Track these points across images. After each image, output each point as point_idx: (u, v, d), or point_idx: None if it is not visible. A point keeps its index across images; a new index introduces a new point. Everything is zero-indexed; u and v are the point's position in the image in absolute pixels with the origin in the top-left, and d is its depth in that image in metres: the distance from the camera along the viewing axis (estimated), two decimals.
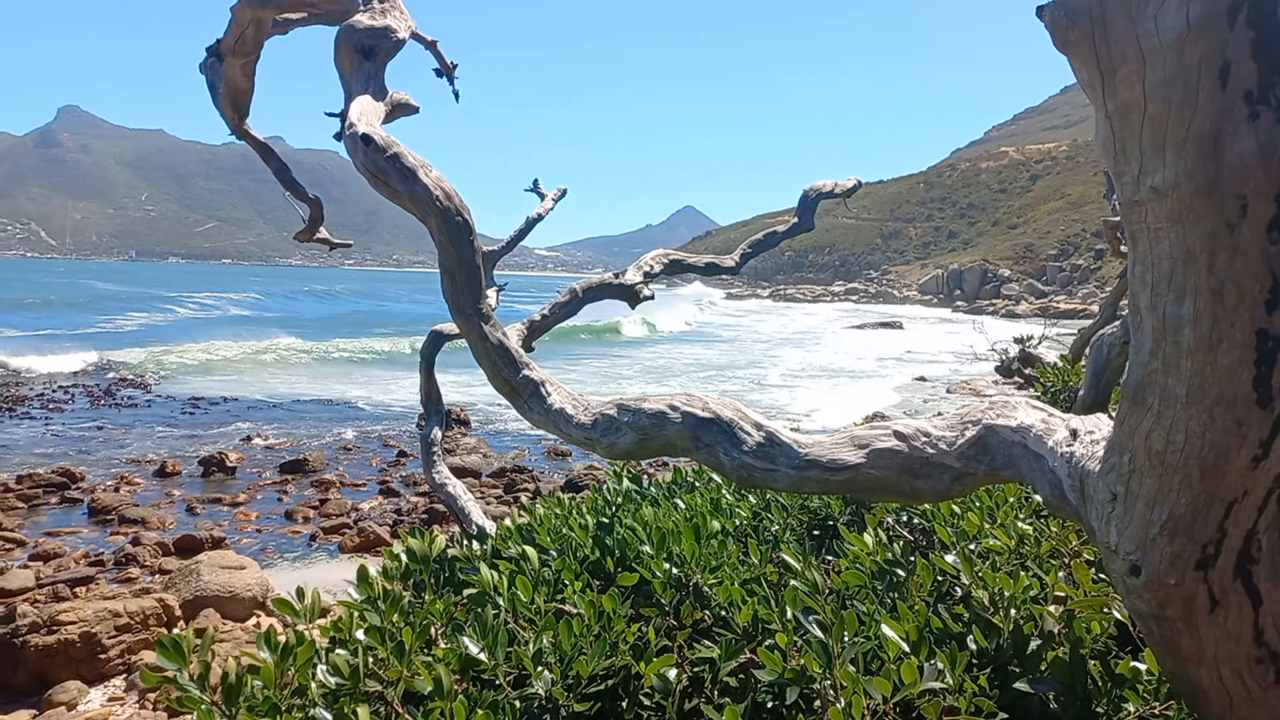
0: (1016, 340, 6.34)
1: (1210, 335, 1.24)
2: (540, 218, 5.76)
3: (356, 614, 1.78)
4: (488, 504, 12.94)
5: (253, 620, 8.66)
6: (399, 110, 2.86)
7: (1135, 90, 1.19)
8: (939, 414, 2.14)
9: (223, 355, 32.58)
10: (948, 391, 25.95)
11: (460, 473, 14.78)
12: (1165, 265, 1.26)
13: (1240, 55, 1.12)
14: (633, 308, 4.37)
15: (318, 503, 13.04)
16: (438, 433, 4.74)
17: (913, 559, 2.30)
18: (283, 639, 1.71)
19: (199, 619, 8.38)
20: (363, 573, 1.89)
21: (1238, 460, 1.29)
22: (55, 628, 7.49)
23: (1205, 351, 1.25)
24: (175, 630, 8.23)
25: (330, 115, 2.67)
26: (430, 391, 4.85)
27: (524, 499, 12.31)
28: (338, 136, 2.52)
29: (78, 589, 9.44)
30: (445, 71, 3.87)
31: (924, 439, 2.01)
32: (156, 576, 10.00)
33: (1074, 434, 1.70)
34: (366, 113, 2.49)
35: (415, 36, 3.10)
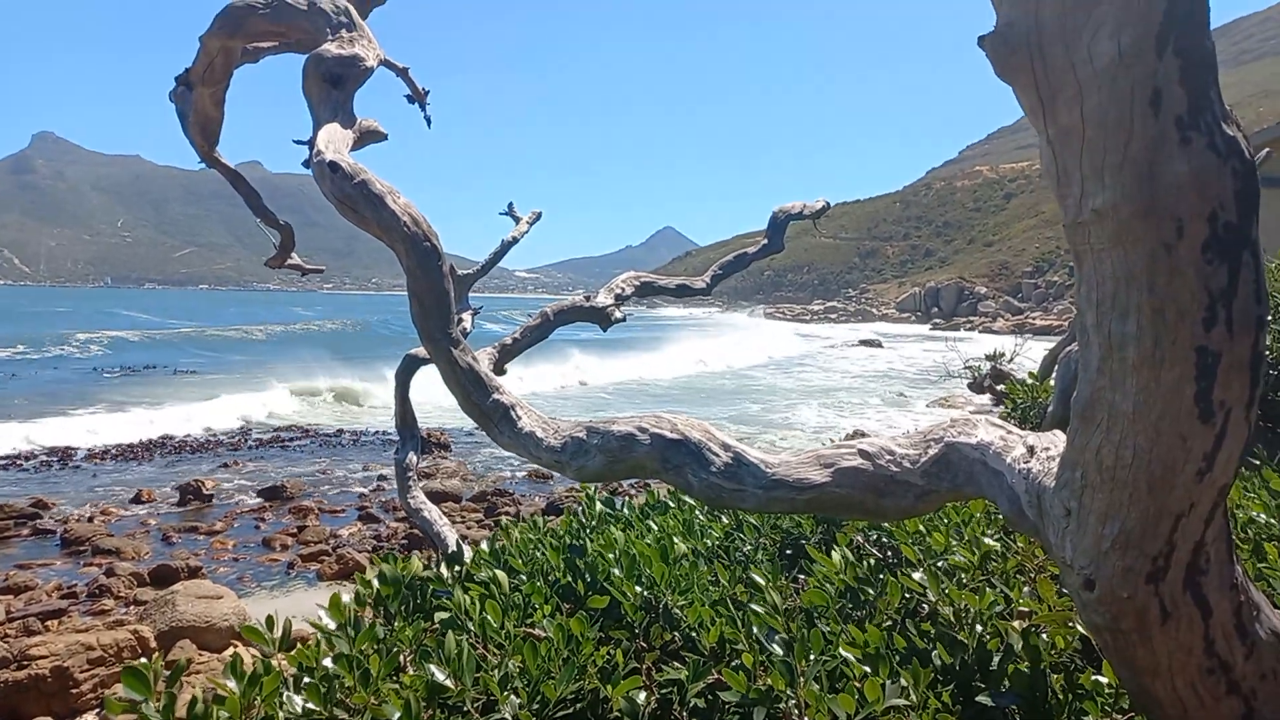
0: (988, 357, 6.41)
1: (1153, 352, 1.28)
2: (515, 241, 5.78)
3: (324, 642, 1.78)
4: (468, 528, 12.85)
5: (230, 650, 8.54)
6: (367, 137, 2.87)
7: (1074, 116, 1.23)
8: (904, 432, 2.17)
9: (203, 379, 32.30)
10: (926, 407, 26.18)
11: (441, 497, 14.70)
12: (1109, 285, 1.30)
13: (1170, 82, 1.16)
14: (604, 330, 4.40)
15: (296, 530, 12.89)
16: (413, 457, 4.72)
17: (881, 577, 2.32)
18: (250, 668, 1.70)
19: (174, 650, 8.25)
20: (334, 600, 1.89)
21: (1184, 474, 1.32)
22: (26, 662, 7.34)
23: (1149, 368, 1.29)
24: (145, 661, 8.07)
25: (299, 143, 2.69)
26: (405, 416, 4.84)
27: (505, 522, 12.22)
28: (306, 164, 2.53)
29: (49, 622, 9.26)
30: (417, 98, 3.89)
31: (888, 457, 2.04)
32: (131, 608, 9.84)
33: (1031, 450, 1.73)
34: (334, 140, 2.51)
35: (386, 64, 3.12)
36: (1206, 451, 1.31)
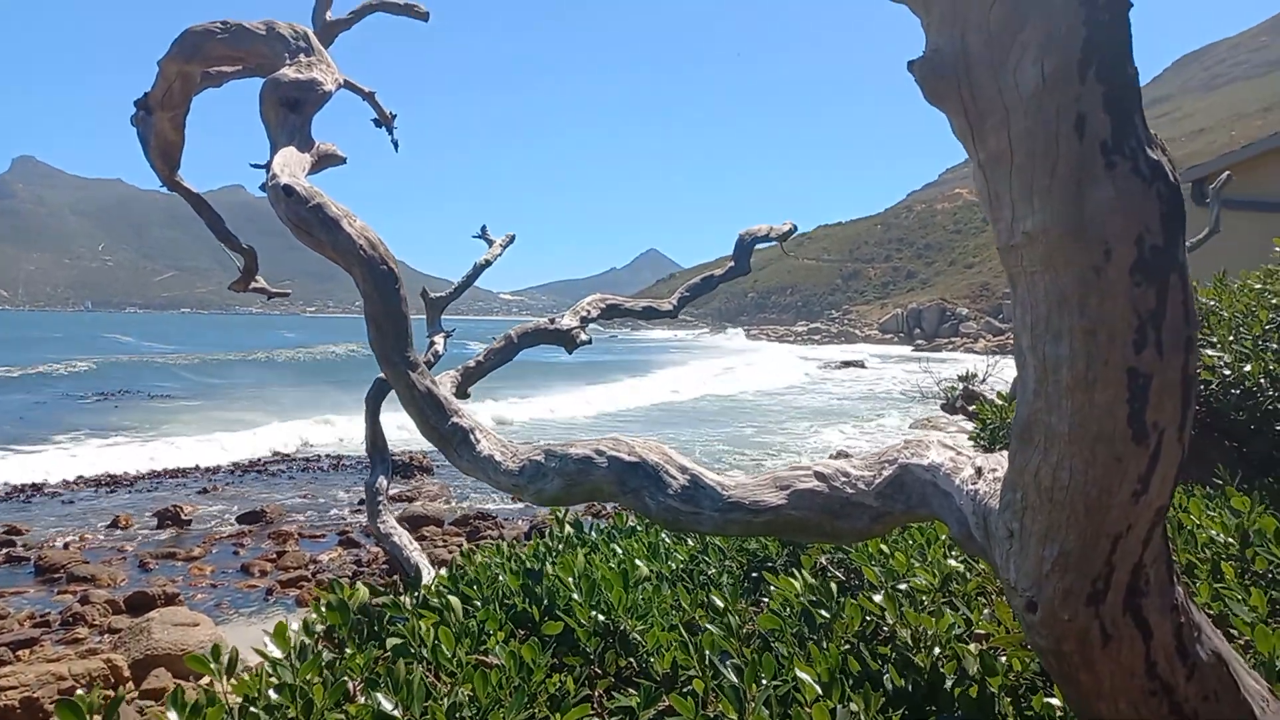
0: (961, 378, 6.46)
1: (1086, 374, 1.28)
2: (489, 263, 5.77)
3: (269, 671, 1.75)
4: (449, 552, 12.72)
5: (206, 679, 8.40)
6: (325, 161, 2.87)
7: (1002, 140, 1.24)
8: (860, 454, 2.17)
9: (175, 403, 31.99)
10: (910, 427, 26.27)
11: (422, 520, 14.56)
12: (1042, 307, 1.31)
13: (1093, 107, 1.17)
14: (569, 352, 4.38)
15: (275, 555, 12.71)
16: (383, 481, 4.68)
17: (841, 599, 2.31)
18: (192, 698, 1.67)
19: (149, 679, 8.10)
20: (280, 628, 1.86)
21: (1119, 495, 1.33)
22: None
23: (1083, 390, 1.29)
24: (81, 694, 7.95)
25: (256, 167, 2.68)
26: (376, 439, 4.80)
27: (465, 548, 12.07)
28: (263, 188, 2.52)
29: (20, 652, 9.08)
30: (384, 122, 3.89)
31: (843, 479, 2.03)
32: (105, 636, 9.66)
33: (979, 472, 1.74)
34: (290, 164, 2.50)
35: (351, 88, 3.13)
36: (1141, 473, 1.31)
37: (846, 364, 60.25)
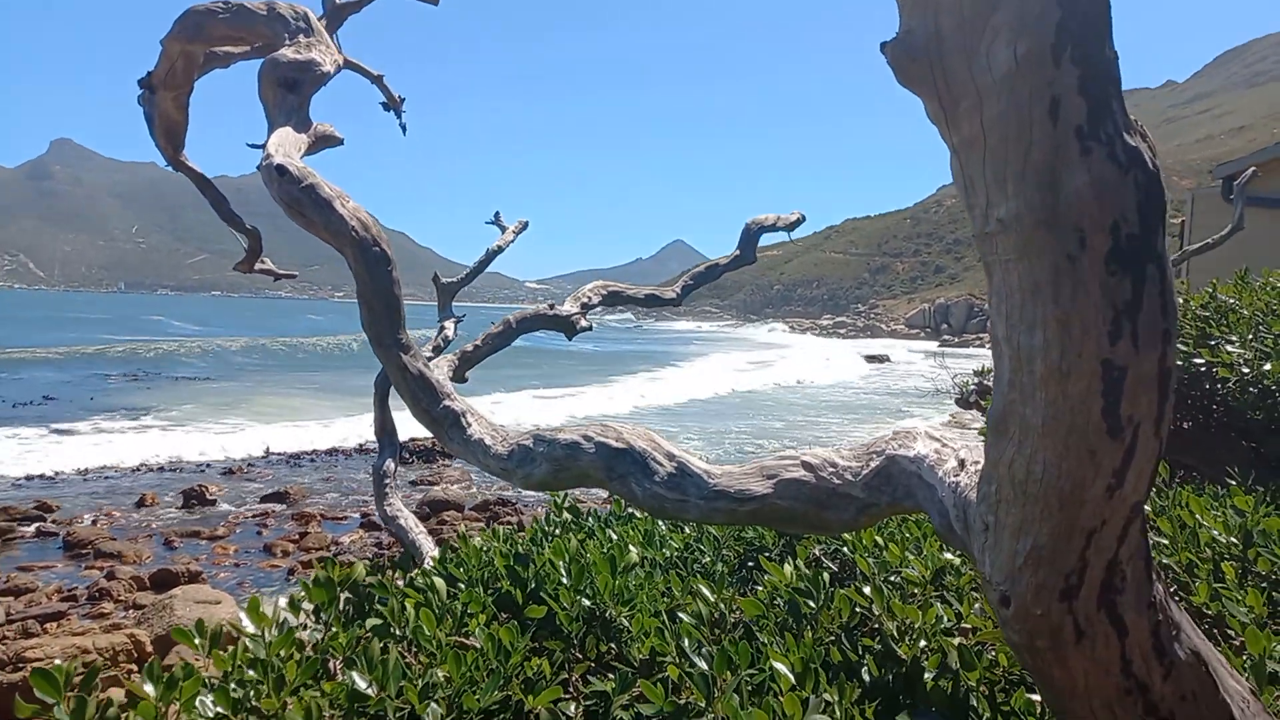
0: (977, 373, 6.38)
1: (1060, 365, 1.26)
2: (500, 250, 5.78)
3: (244, 647, 1.77)
4: (467, 532, 12.79)
5: (233, 647, 8.55)
6: (322, 142, 2.88)
7: (975, 125, 1.22)
8: (848, 445, 2.15)
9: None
10: (924, 421, 26.03)
11: (443, 505, 14.69)
12: (1016, 296, 1.28)
13: (1068, 91, 1.14)
14: (569, 338, 4.38)
15: (298, 536, 12.90)
16: (390, 465, 4.71)
17: (831, 590, 2.29)
18: (169, 672, 1.68)
19: (172, 655, 8.26)
20: (253, 603, 1.87)
21: (1094, 489, 1.30)
22: (21, 665, 7.35)
23: (1056, 381, 1.27)
24: (59, 664, 8.12)
25: (253, 147, 2.69)
26: (384, 423, 4.83)
27: (463, 529, 12.15)
28: (259, 168, 2.54)
29: (48, 625, 9.30)
30: (392, 105, 3.90)
31: (830, 470, 2.01)
32: (130, 612, 9.87)
33: (962, 464, 1.71)
34: (285, 144, 2.51)
35: (356, 69, 3.13)
36: (1116, 467, 1.28)
37: (872, 358, 59.89)
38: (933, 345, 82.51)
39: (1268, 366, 3.97)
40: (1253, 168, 8.54)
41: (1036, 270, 1.24)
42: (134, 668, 8.12)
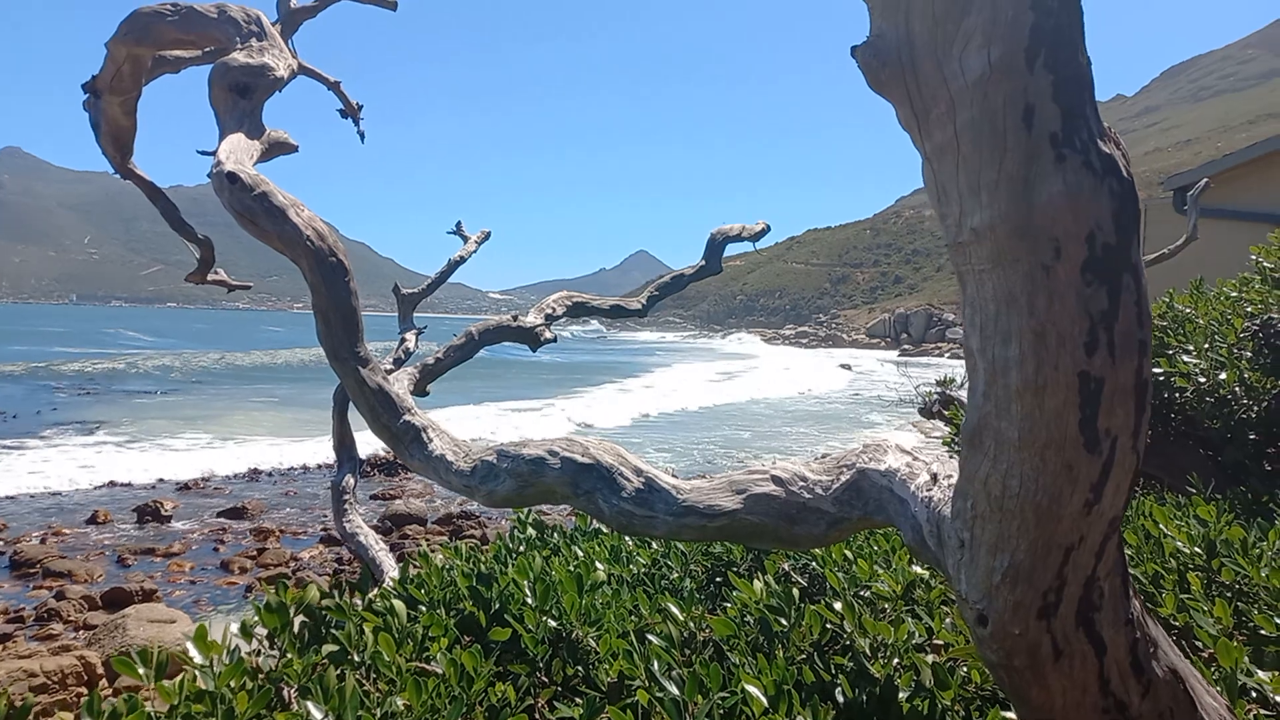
0: (939, 383, 6.38)
1: (1036, 378, 1.23)
2: (463, 260, 5.70)
3: (191, 678, 1.68)
4: (432, 550, 12.60)
5: (181, 676, 8.32)
6: (276, 149, 2.79)
7: (948, 131, 1.19)
8: (818, 458, 2.11)
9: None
10: (895, 430, 26.33)
11: (405, 519, 14.47)
12: (990, 307, 1.25)
13: (1042, 98, 1.12)
14: (534, 350, 4.31)
15: (256, 552, 12.61)
16: (350, 480, 4.60)
17: (801, 606, 2.25)
18: (109, 706, 1.59)
19: (123, 677, 8.01)
20: (200, 631, 1.78)
21: (1071, 505, 1.27)
22: None
23: (1032, 394, 1.24)
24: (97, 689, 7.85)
25: (204, 154, 2.60)
26: (343, 437, 4.72)
27: (424, 548, 11.91)
28: (210, 175, 2.44)
29: None
30: (350, 113, 3.81)
31: (800, 484, 1.98)
32: (80, 632, 9.57)
33: (934, 478, 1.68)
34: (236, 151, 2.42)
35: (312, 75, 3.04)
36: (1094, 481, 1.26)
37: (843, 366, 60.53)
38: (893, 354, 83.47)
39: (1223, 376, 4.03)
40: (1205, 179, 8.74)
41: (1011, 280, 1.21)
42: (84, 690, 7.87)
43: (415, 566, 2.72)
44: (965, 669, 2.01)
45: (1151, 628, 1.43)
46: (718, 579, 2.93)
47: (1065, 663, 1.36)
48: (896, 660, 2.00)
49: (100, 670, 7.89)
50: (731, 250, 5.72)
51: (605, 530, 3.25)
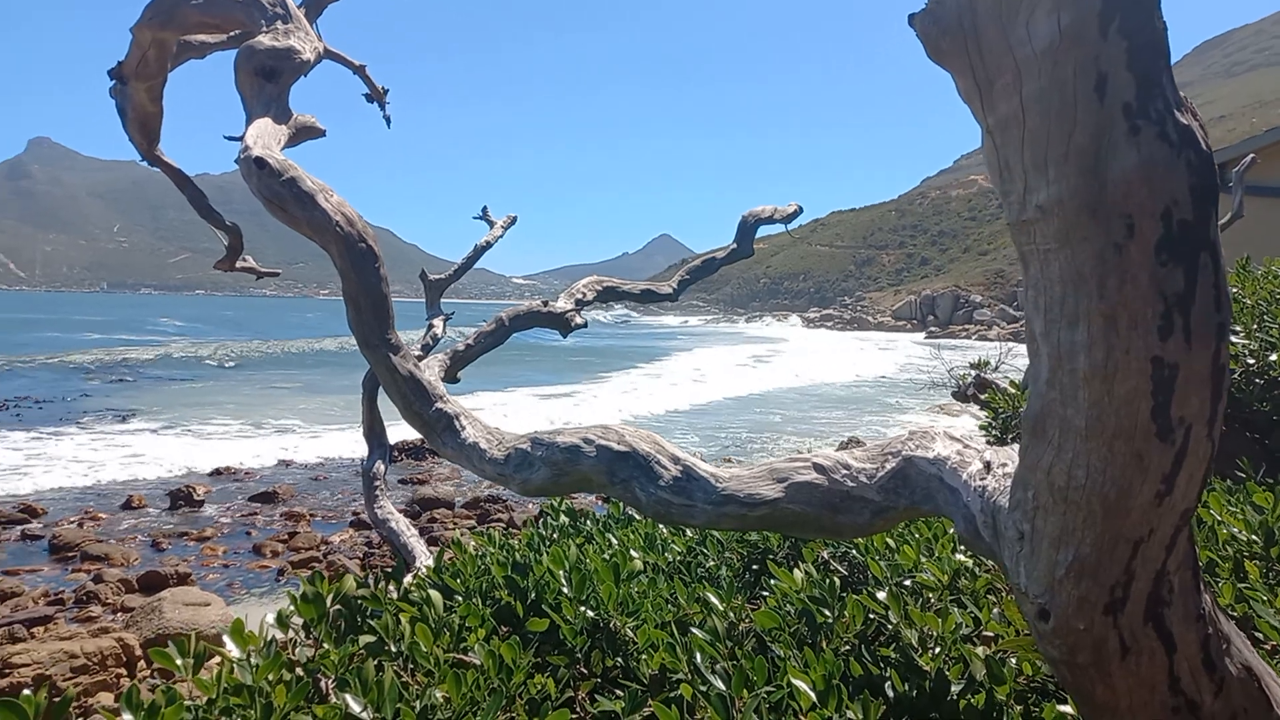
0: (973, 366, 6.24)
1: (1105, 363, 1.16)
2: (489, 245, 5.66)
3: (227, 671, 1.66)
4: (460, 535, 12.67)
5: (215, 660, 8.44)
6: (304, 133, 2.75)
7: (1013, 103, 1.12)
8: (861, 445, 2.06)
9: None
10: (922, 412, 26.11)
11: (433, 503, 14.56)
12: (1056, 289, 1.19)
13: (1116, 66, 1.05)
14: (564, 336, 4.27)
15: (287, 536, 12.75)
16: (380, 466, 4.59)
17: (843, 596, 2.20)
18: (149, 698, 1.58)
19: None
20: (237, 625, 1.76)
21: (1141, 496, 1.21)
22: (7, 671, 7.24)
23: (1101, 380, 1.17)
24: (28, 694, 7.99)
25: (231, 139, 2.57)
26: (373, 424, 4.71)
27: (494, 530, 11.95)
28: (237, 161, 2.41)
29: (35, 629, 9.16)
30: (376, 97, 3.78)
31: (844, 472, 1.92)
32: (118, 615, 9.75)
33: (987, 467, 1.62)
34: (264, 136, 2.39)
35: (337, 59, 3.00)
36: (1165, 472, 1.19)
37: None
38: (920, 337, 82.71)
39: (1273, 357, 3.91)
40: (1251, 155, 8.49)
41: (1079, 260, 1.14)
42: (123, 672, 8.01)
43: (449, 554, 2.70)
44: (1014, 661, 1.95)
45: (1223, 623, 1.36)
46: (754, 567, 2.88)
47: (1133, 660, 1.30)
48: (944, 652, 1.95)
49: (138, 652, 8.02)
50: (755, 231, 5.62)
51: (638, 518, 3.22)
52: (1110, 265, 1.12)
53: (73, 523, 13.18)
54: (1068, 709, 1.69)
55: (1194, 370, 1.14)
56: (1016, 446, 1.70)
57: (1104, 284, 1.13)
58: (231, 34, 2.98)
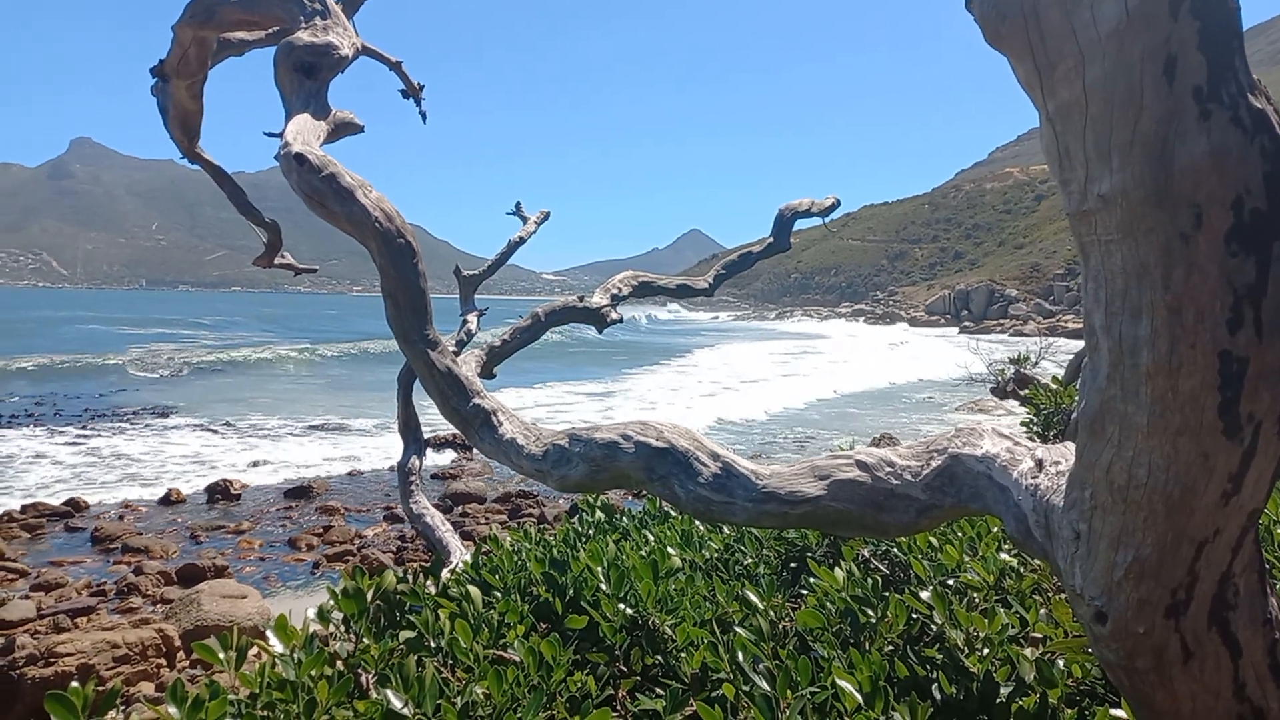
0: (1012, 361, 6.13)
1: (1170, 358, 1.12)
2: (523, 240, 5.65)
3: (270, 666, 1.66)
4: (493, 530, 12.73)
5: (253, 651, 8.58)
6: (343, 129, 2.76)
7: (1075, 88, 1.08)
8: (905, 442, 2.01)
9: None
10: (955, 410, 25.78)
11: (465, 497, 14.66)
12: (1119, 281, 1.14)
13: (1186, 48, 1.00)
14: (600, 331, 4.25)
15: (321, 530, 12.91)
16: (415, 462, 4.61)
17: (885, 596, 2.16)
18: (193, 691, 1.59)
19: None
20: (280, 621, 1.77)
21: (1206, 496, 1.17)
22: (52, 660, 7.39)
23: (1165, 376, 1.13)
24: (76, 686, 8.12)
25: (270, 135, 2.58)
26: (408, 420, 4.73)
27: (529, 525, 11.98)
28: (277, 157, 2.42)
29: (78, 619, 9.38)
30: (412, 93, 3.78)
31: (888, 469, 1.88)
32: (158, 606, 9.94)
33: (1039, 465, 1.57)
34: (303, 132, 2.39)
35: (375, 56, 3.00)
36: (1232, 471, 1.15)
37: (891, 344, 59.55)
38: (953, 331, 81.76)
39: None
40: None
41: (1144, 251, 1.10)
42: (163, 662, 8.15)
43: (485, 550, 2.69)
44: (1062, 663, 1.91)
45: None
46: (792, 564, 2.85)
47: (1195, 665, 1.25)
48: (988, 652, 1.91)
49: (177, 643, 8.15)
50: None
51: (674, 514, 3.20)
52: (1177, 256, 1.07)
53: (114, 516, 13.44)
54: (1120, 713, 1.64)
55: (1265, 365, 1.10)
56: (1069, 444, 1.65)
57: (1170, 276, 1.09)
58: (270, 31, 2.99)
